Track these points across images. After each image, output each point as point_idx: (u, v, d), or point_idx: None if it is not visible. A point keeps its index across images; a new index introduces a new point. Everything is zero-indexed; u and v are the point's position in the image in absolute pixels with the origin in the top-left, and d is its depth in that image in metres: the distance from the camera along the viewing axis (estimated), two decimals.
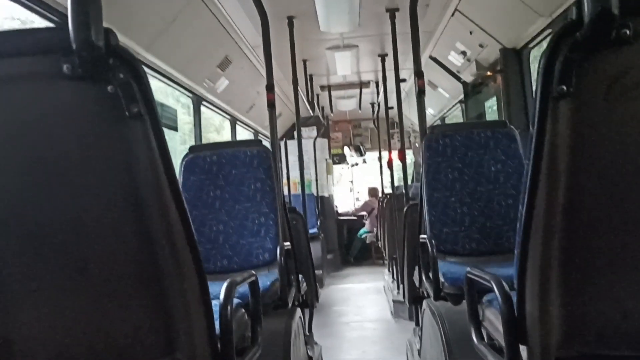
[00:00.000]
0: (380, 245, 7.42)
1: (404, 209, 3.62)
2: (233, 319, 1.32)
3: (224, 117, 6.09)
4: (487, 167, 2.68)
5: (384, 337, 4.51)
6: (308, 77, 6.43)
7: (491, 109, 5.08)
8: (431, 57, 5.48)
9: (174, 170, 1.07)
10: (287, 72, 5.15)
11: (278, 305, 2.35)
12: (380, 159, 8.46)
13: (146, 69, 3.53)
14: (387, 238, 6.06)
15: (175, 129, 4.50)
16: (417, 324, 3.55)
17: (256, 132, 7.43)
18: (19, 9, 2.46)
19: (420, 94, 3.26)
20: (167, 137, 1.06)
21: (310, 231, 6.13)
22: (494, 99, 4.78)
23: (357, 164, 10.83)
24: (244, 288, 1.62)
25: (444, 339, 2.32)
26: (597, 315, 1.08)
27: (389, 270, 6.41)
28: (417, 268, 2.80)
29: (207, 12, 3.94)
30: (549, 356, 1.10)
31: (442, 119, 7.07)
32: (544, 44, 3.80)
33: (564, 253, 1.05)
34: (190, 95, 4.71)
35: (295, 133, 4.95)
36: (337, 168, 10.68)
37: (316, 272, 4.23)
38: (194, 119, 4.84)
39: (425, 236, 2.54)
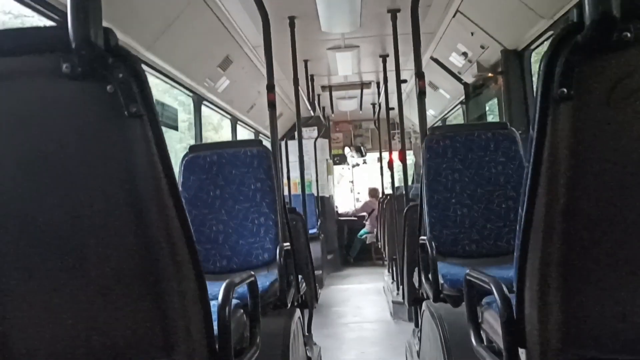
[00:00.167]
0: (380, 246, 7.42)
1: (404, 210, 3.62)
2: (231, 320, 1.32)
3: (225, 116, 6.09)
4: (488, 168, 2.67)
5: (383, 338, 4.51)
6: (309, 77, 6.43)
7: (492, 110, 5.08)
8: (432, 58, 5.48)
9: (173, 169, 1.07)
10: (288, 72, 5.15)
11: (277, 306, 2.35)
12: (380, 159, 8.46)
13: (147, 69, 3.57)
14: (387, 239, 6.06)
15: (175, 128, 4.50)
16: (417, 325, 3.55)
17: (257, 132, 7.43)
18: (12, 3, 2.45)
19: (421, 94, 3.26)
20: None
21: (310, 231, 6.12)
22: (495, 100, 4.78)
23: (357, 165, 10.83)
24: (242, 288, 1.62)
25: (443, 340, 2.32)
26: (596, 319, 1.08)
27: (388, 271, 6.41)
28: (416, 269, 2.80)
29: (208, 12, 3.94)
30: (547, 359, 1.10)
31: (443, 120, 7.07)
32: (545, 46, 3.80)
33: (563, 256, 1.05)
34: (191, 94, 4.71)
35: (296, 133, 4.94)
36: (337, 168, 10.69)
37: (316, 272, 4.22)
38: (194, 118, 4.84)
39: (425, 237, 2.54)
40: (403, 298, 4.42)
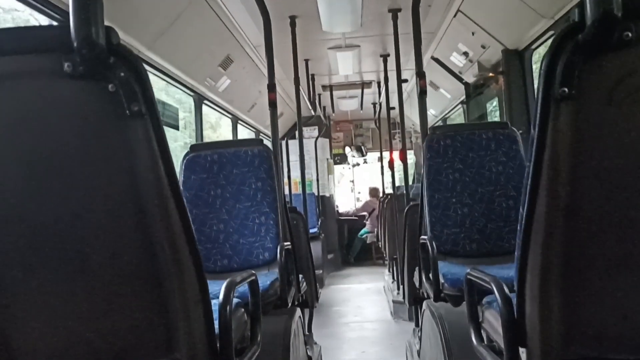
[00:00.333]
0: (380, 246, 7.42)
1: (405, 210, 3.62)
2: (232, 319, 1.32)
3: (226, 116, 6.09)
4: (488, 168, 2.67)
5: (384, 338, 4.51)
6: (310, 77, 6.43)
7: (493, 110, 5.08)
8: (433, 58, 5.48)
9: (174, 169, 1.07)
10: (289, 71, 5.15)
11: (278, 305, 2.35)
12: (381, 159, 8.45)
13: (148, 68, 3.56)
14: (387, 238, 6.06)
15: (176, 127, 4.50)
16: (417, 324, 3.55)
17: (257, 132, 7.43)
18: None
19: (422, 94, 3.26)
20: None
21: (311, 231, 6.12)
22: (496, 100, 4.78)
23: (358, 164, 10.83)
24: (243, 287, 1.62)
25: (443, 340, 2.32)
26: (597, 318, 1.08)
27: (389, 270, 6.41)
28: (417, 269, 2.80)
29: (209, 11, 3.94)
30: (548, 359, 1.10)
31: (444, 119, 7.06)
32: (546, 46, 3.80)
33: (564, 256, 1.05)
34: (191, 94, 4.71)
35: (297, 133, 4.95)
36: (338, 168, 10.69)
37: (316, 272, 4.22)
38: (195, 117, 4.84)
39: (425, 237, 2.54)
40: (403, 297, 4.42)
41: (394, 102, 5.68)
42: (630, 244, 1.04)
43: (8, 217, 1.05)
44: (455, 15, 4.43)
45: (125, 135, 1.02)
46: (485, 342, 1.54)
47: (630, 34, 0.95)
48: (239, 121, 6.42)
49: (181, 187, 2.28)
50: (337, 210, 10.07)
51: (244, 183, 2.76)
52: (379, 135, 9.21)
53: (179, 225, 1.07)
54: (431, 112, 7.05)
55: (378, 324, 4.99)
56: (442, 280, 2.24)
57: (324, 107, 8.74)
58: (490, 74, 4.64)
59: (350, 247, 9.74)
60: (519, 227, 1.11)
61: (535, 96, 1.03)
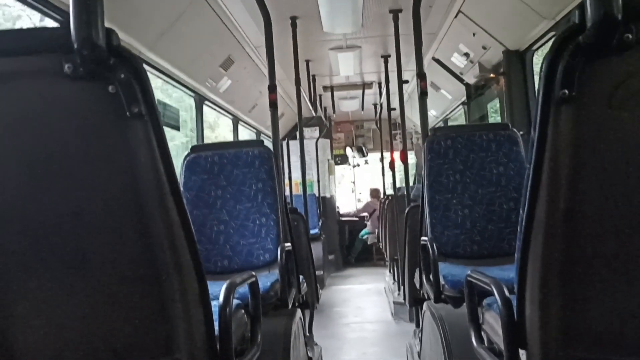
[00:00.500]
0: (381, 247, 7.42)
1: (406, 211, 3.62)
2: (232, 320, 1.32)
3: (227, 116, 6.09)
4: (489, 169, 2.67)
5: (384, 339, 4.51)
6: (311, 78, 6.43)
7: (494, 111, 5.08)
8: (434, 59, 5.48)
9: (175, 170, 1.07)
10: (289, 72, 5.15)
11: (278, 306, 2.35)
12: (382, 160, 8.45)
13: (149, 68, 3.57)
14: (388, 239, 6.06)
15: (177, 128, 4.50)
16: (418, 326, 3.55)
17: (258, 132, 7.43)
18: None
19: (423, 95, 3.26)
20: None
21: (312, 232, 6.12)
22: (497, 101, 4.78)
23: (359, 165, 10.83)
24: (244, 288, 1.62)
25: (444, 341, 2.32)
26: (597, 320, 1.07)
27: (389, 271, 6.41)
28: (418, 270, 2.80)
29: (210, 12, 3.94)
30: None
31: (445, 120, 7.06)
32: (548, 47, 3.80)
33: (564, 258, 1.05)
34: (192, 94, 4.71)
35: (298, 133, 4.95)
36: (339, 169, 10.68)
37: (317, 272, 4.22)
38: (196, 118, 4.84)
39: (426, 238, 2.54)
40: (404, 299, 4.42)
41: (395, 103, 5.69)
42: (630, 246, 1.04)
43: (8, 217, 1.05)
44: (456, 16, 4.43)
45: (125, 136, 1.02)
46: (486, 344, 1.54)
47: (630, 36, 0.95)
48: (240, 122, 6.42)
49: (182, 188, 2.29)
50: (338, 211, 10.07)
51: (245, 184, 2.76)
52: (379, 136, 9.21)
53: (179, 226, 1.07)
54: (432, 112, 7.04)
55: (378, 325, 4.99)
56: (442, 281, 2.24)
57: (325, 108, 8.75)
58: (491, 75, 4.64)
59: (351, 248, 9.74)
60: (519, 229, 1.11)
61: (536, 98, 1.03)
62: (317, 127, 9.08)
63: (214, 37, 4.37)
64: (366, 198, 10.18)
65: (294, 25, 4.63)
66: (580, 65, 0.98)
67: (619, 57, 0.97)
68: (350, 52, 5.65)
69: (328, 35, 5.08)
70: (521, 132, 2.79)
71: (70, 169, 1.04)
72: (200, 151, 2.81)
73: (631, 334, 1.08)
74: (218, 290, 1.36)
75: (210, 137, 7.69)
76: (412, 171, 8.97)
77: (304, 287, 2.95)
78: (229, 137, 6.87)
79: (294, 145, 7.14)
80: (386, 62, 6.10)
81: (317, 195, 8.32)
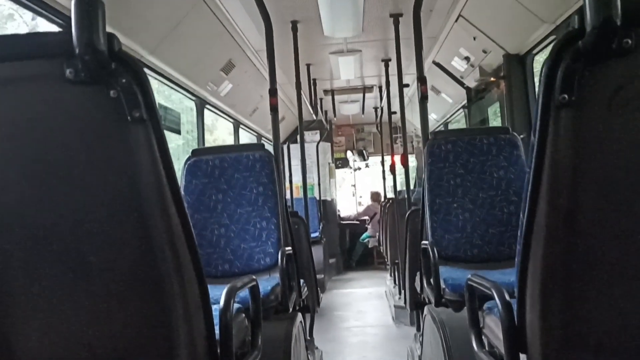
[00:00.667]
0: (382, 250, 7.41)
1: (406, 214, 3.62)
2: (233, 324, 1.32)
3: (228, 120, 6.10)
4: (490, 173, 2.67)
5: (385, 343, 4.50)
6: (311, 82, 6.44)
7: (494, 114, 5.08)
8: (435, 63, 5.48)
9: (176, 174, 1.07)
10: (290, 76, 5.16)
11: (279, 310, 2.35)
12: (382, 163, 8.46)
13: (150, 72, 3.57)
14: (389, 243, 6.06)
15: (178, 132, 4.51)
16: (418, 329, 3.54)
17: (259, 136, 7.44)
18: None
19: (423, 99, 3.27)
20: None
21: (312, 235, 6.11)
22: (497, 104, 4.78)
23: (359, 169, 10.84)
24: (244, 292, 1.62)
25: (444, 345, 2.31)
26: (598, 325, 1.07)
27: (390, 275, 6.41)
28: (418, 274, 2.79)
29: (211, 16, 3.95)
30: None
31: (445, 124, 7.07)
32: (548, 51, 3.80)
33: (564, 262, 1.05)
34: (193, 98, 4.72)
35: (298, 137, 4.95)
36: (339, 172, 10.69)
37: (318, 276, 4.22)
38: (197, 122, 4.85)
39: (427, 242, 2.54)
40: (405, 302, 4.42)
41: (396, 106, 5.69)
42: (631, 250, 1.04)
43: (10, 221, 1.05)
44: (456, 20, 4.44)
45: (126, 141, 1.02)
46: (486, 348, 1.54)
47: (630, 41, 0.95)
48: (241, 125, 6.43)
49: (182, 192, 2.29)
50: (339, 215, 10.07)
51: (246, 187, 2.76)
52: (380, 140, 9.22)
53: (179, 230, 1.08)
54: (432, 116, 7.05)
55: (379, 329, 4.98)
56: (443, 285, 2.24)
57: (326, 112, 8.76)
58: (492, 79, 4.65)
59: (352, 251, 9.73)
60: (519, 233, 1.11)
61: (536, 102, 1.03)
62: (318, 131, 9.09)
63: (215, 41, 4.38)
64: (367, 201, 10.18)
65: (294, 29, 4.64)
66: (580, 69, 0.98)
67: (618, 61, 0.97)
68: (350, 56, 5.66)
69: (329, 39, 5.08)
70: (521, 136, 2.80)
71: (71, 174, 1.04)
72: (201, 155, 2.81)
73: (632, 338, 1.08)
74: (219, 294, 1.36)
75: (209, 140, 7.68)
76: (412, 175, 8.97)
77: (305, 290, 2.95)
78: (228, 140, 6.88)
79: (295, 148, 7.15)
80: (387, 66, 6.11)
81: (317, 198, 8.32)
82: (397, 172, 6.40)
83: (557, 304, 1.07)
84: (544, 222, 1.04)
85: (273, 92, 3.34)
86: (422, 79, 3.31)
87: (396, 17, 4.56)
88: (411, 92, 7.04)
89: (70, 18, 0.96)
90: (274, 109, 3.34)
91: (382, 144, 9.01)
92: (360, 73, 6.61)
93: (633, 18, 0.95)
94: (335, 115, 9.04)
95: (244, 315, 1.65)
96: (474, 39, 4.44)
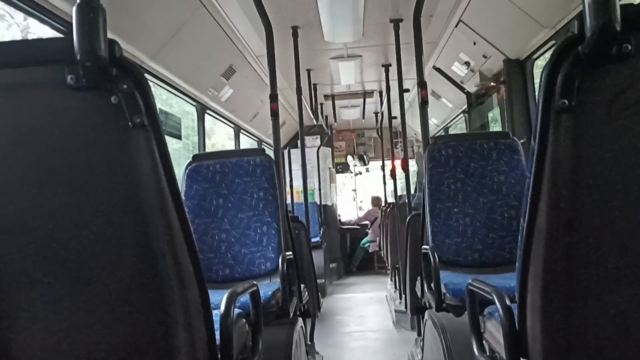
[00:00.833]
0: (382, 255, 7.41)
1: (407, 219, 3.62)
2: (234, 329, 1.32)
3: (229, 125, 6.11)
4: (490, 178, 2.68)
5: (386, 348, 4.49)
6: (312, 87, 6.45)
7: (494, 119, 5.09)
8: (435, 68, 5.50)
9: (176, 180, 1.08)
10: (291, 81, 5.17)
11: (279, 315, 2.35)
12: (383, 168, 8.46)
13: (151, 78, 3.58)
14: (389, 248, 6.05)
15: (179, 137, 4.51)
16: (419, 334, 3.54)
17: (260, 141, 7.45)
18: None
19: (423, 104, 3.27)
20: None
21: (313, 240, 6.11)
22: (497, 109, 4.79)
23: (360, 173, 10.84)
24: (245, 297, 1.62)
25: (445, 350, 2.31)
26: (599, 329, 1.07)
27: (391, 280, 6.40)
28: (419, 278, 2.79)
29: (212, 22, 3.96)
30: None
31: (446, 129, 7.07)
32: (548, 56, 3.81)
33: (565, 267, 1.05)
34: (194, 103, 4.73)
35: (299, 142, 4.96)
36: (340, 177, 10.69)
37: (318, 281, 4.22)
38: (197, 127, 4.86)
39: (427, 247, 2.54)
40: (405, 307, 4.41)
41: (396, 111, 5.69)
42: (632, 255, 1.04)
43: (10, 226, 1.05)
44: (456, 25, 4.45)
45: (127, 147, 1.02)
46: (487, 353, 1.54)
47: (629, 47, 0.95)
48: (242, 130, 6.43)
49: (183, 197, 2.29)
50: (339, 219, 10.06)
51: (246, 192, 2.77)
52: (381, 144, 9.23)
53: (180, 235, 1.08)
54: (433, 121, 7.06)
55: (380, 334, 4.97)
56: (444, 290, 2.24)
57: (326, 117, 8.77)
58: (492, 84, 4.65)
59: (353, 256, 9.72)
60: (520, 238, 1.11)
61: (536, 107, 1.04)
62: (319, 136, 9.11)
63: (216, 46, 4.39)
64: (367, 206, 10.18)
65: (295, 35, 4.66)
66: (580, 75, 0.98)
67: (618, 66, 0.98)
68: (351, 61, 5.67)
69: (329, 45, 5.10)
70: (522, 141, 2.80)
71: (72, 180, 1.05)
72: (201, 160, 2.82)
73: (633, 343, 1.07)
74: (219, 299, 1.36)
75: (206, 144, 7.69)
76: (413, 179, 8.97)
77: (306, 295, 2.95)
78: (227, 145, 6.88)
79: (295, 153, 7.15)
80: (387, 71, 6.13)
81: (318, 203, 8.32)
82: (397, 177, 6.40)
83: (558, 308, 1.07)
84: (545, 227, 1.04)
85: (274, 97, 3.35)
86: (422, 84, 3.31)
87: (396, 23, 4.57)
88: (411, 97, 7.05)
89: (71, 24, 0.96)
90: (274, 114, 3.35)
91: (382, 148, 9.01)
92: (360, 78, 6.62)
93: (632, 23, 0.95)
94: (335, 120, 9.05)
95: (244, 320, 1.65)
96: (474, 44, 4.45)
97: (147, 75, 1.05)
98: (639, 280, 1.05)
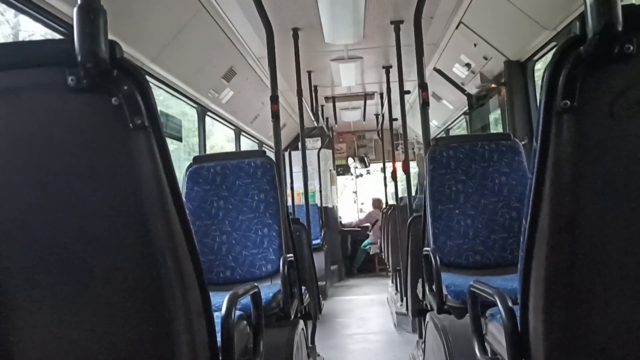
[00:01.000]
0: (383, 257, 7.40)
1: (408, 221, 3.62)
2: (235, 331, 1.32)
3: (229, 127, 6.11)
4: (491, 179, 2.67)
5: (387, 350, 4.48)
6: (312, 88, 6.45)
7: (495, 121, 5.08)
8: (435, 69, 5.49)
9: (177, 181, 1.07)
10: (291, 83, 5.17)
11: (281, 317, 2.35)
12: (384, 170, 8.45)
13: (152, 80, 3.58)
14: (390, 250, 6.05)
15: (179, 139, 4.51)
16: (421, 336, 3.53)
17: (260, 143, 7.45)
18: None
19: (424, 106, 3.27)
20: None
21: (314, 242, 6.11)
22: (498, 111, 4.79)
23: (361, 175, 10.84)
24: (246, 300, 1.62)
25: (447, 352, 2.30)
26: (602, 331, 1.07)
27: (392, 282, 6.39)
28: (420, 280, 2.79)
29: (212, 24, 3.96)
30: None
31: (447, 130, 7.07)
32: (548, 57, 3.80)
33: (567, 268, 1.05)
34: (195, 105, 4.73)
35: (300, 144, 4.96)
36: (341, 179, 10.69)
37: (319, 283, 4.22)
38: (198, 129, 4.86)
39: (428, 248, 2.53)
40: (407, 309, 4.40)
41: (397, 113, 5.70)
42: (634, 255, 1.04)
43: (11, 229, 1.05)
44: (457, 27, 4.45)
45: (128, 148, 1.02)
46: (489, 355, 1.53)
47: (631, 47, 0.95)
48: (242, 132, 6.43)
49: (184, 199, 2.29)
50: (340, 222, 10.06)
51: (247, 194, 2.76)
52: (381, 146, 9.23)
53: (181, 237, 1.07)
54: (434, 123, 7.06)
55: (381, 336, 4.96)
56: (445, 292, 2.24)
57: (327, 118, 8.77)
58: (493, 85, 4.65)
59: (354, 258, 9.72)
60: (522, 239, 1.11)
61: (537, 108, 1.03)
62: (319, 138, 9.11)
63: (217, 48, 4.39)
64: (368, 208, 10.18)
65: (295, 37, 4.66)
66: (582, 75, 0.98)
67: (620, 67, 0.97)
68: (351, 63, 5.67)
69: (329, 46, 5.10)
70: (523, 142, 2.80)
71: (73, 181, 1.04)
72: (202, 162, 2.82)
73: (635, 344, 1.07)
74: (220, 301, 1.36)
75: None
76: (414, 181, 8.97)
77: (307, 298, 2.95)
78: (225, 147, 6.88)
79: (296, 155, 7.16)
80: (388, 73, 6.13)
81: (319, 205, 8.31)
82: (398, 179, 6.39)
83: (561, 309, 1.07)
84: (547, 228, 1.04)
85: (274, 99, 3.35)
86: (423, 86, 3.31)
87: (397, 24, 4.57)
88: (412, 99, 7.05)
89: (72, 26, 0.96)
90: (275, 115, 3.35)
91: (383, 150, 9.01)
92: (361, 80, 6.63)
93: (634, 24, 0.95)
94: (336, 122, 9.05)
95: (245, 322, 1.65)
96: (475, 45, 4.45)
97: (147, 77, 1.04)
98: None
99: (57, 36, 2.53)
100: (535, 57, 4.02)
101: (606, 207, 1.02)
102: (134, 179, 1.03)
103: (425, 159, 2.81)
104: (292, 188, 6.63)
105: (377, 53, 5.61)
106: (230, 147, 6.45)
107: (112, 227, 1.05)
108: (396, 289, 5.77)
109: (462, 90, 5.41)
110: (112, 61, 0.98)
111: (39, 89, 1.02)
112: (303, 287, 2.88)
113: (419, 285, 2.84)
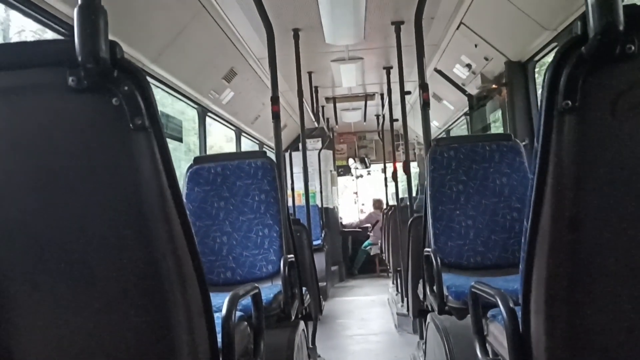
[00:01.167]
0: (384, 258, 7.40)
1: (409, 222, 3.61)
2: (235, 332, 1.32)
3: (230, 128, 6.11)
4: (492, 180, 2.67)
5: (388, 351, 4.48)
6: (313, 89, 6.45)
7: (496, 121, 5.08)
8: (436, 70, 5.49)
9: (178, 182, 1.07)
10: (292, 83, 5.17)
11: (281, 318, 2.34)
12: (384, 170, 8.45)
13: (152, 81, 3.58)
14: (391, 250, 6.04)
15: (180, 139, 4.51)
16: (421, 337, 3.53)
17: (261, 144, 7.45)
18: None
19: (425, 106, 3.27)
20: None
21: (315, 243, 6.10)
22: (499, 111, 4.79)
23: (361, 176, 10.84)
24: (247, 300, 1.62)
25: (448, 353, 2.30)
26: (603, 331, 1.07)
27: (393, 282, 6.39)
28: (421, 281, 2.79)
29: (213, 25, 3.96)
30: None
31: (447, 131, 7.07)
32: (549, 57, 3.80)
33: (569, 268, 1.04)
34: (195, 106, 4.73)
35: (300, 144, 4.95)
36: (341, 180, 10.69)
37: (320, 284, 4.21)
38: (198, 130, 4.86)
39: (429, 249, 2.53)
40: (408, 310, 4.40)
41: (397, 114, 5.69)
42: (636, 256, 1.04)
43: (12, 229, 1.05)
44: (458, 28, 4.45)
45: (128, 149, 1.02)
46: (490, 356, 1.53)
47: (633, 47, 0.95)
48: (243, 133, 6.44)
49: (184, 200, 2.29)
50: (341, 222, 10.06)
51: (248, 195, 2.76)
52: (382, 147, 9.23)
53: (182, 238, 1.07)
54: (434, 123, 7.05)
55: (382, 337, 4.96)
56: (446, 292, 2.24)
57: (328, 119, 8.77)
58: (494, 86, 4.65)
59: (354, 259, 9.72)
60: (523, 240, 1.11)
61: (539, 108, 1.03)
62: (320, 139, 9.11)
63: (217, 49, 4.40)
64: (369, 209, 10.18)
65: (296, 37, 4.66)
66: (583, 75, 0.98)
67: (621, 67, 0.97)
68: (352, 64, 5.67)
69: (330, 47, 5.10)
70: (523, 142, 2.80)
71: (73, 182, 1.04)
72: (203, 162, 2.81)
73: (637, 344, 1.07)
74: (221, 302, 1.35)
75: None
76: (414, 182, 8.97)
77: (307, 298, 2.95)
78: (224, 147, 6.88)
79: (297, 156, 7.15)
80: (388, 74, 6.13)
81: (319, 206, 8.32)
82: (399, 180, 6.39)
83: (562, 310, 1.06)
84: (548, 229, 1.03)
85: (275, 100, 3.35)
86: (423, 86, 3.31)
87: (397, 25, 4.57)
88: (413, 100, 7.05)
89: (72, 26, 0.96)
90: (276, 116, 3.35)
91: (384, 151, 9.01)
92: (361, 80, 6.62)
93: (636, 24, 0.94)
94: (337, 123, 9.05)
95: (246, 323, 1.65)
96: (476, 46, 4.45)
97: (148, 78, 1.04)
98: None
99: (57, 36, 2.53)
100: (536, 58, 4.02)
101: (608, 208, 1.02)
102: (135, 180, 1.03)
103: (425, 160, 2.81)
104: (292, 189, 6.63)
105: (377, 54, 5.61)
106: (230, 147, 6.45)
107: (113, 227, 1.04)
108: (397, 290, 5.77)
109: (463, 91, 5.41)
110: (113, 62, 0.98)
111: (40, 90, 1.02)
112: (304, 288, 2.88)
113: (420, 286, 2.83)
